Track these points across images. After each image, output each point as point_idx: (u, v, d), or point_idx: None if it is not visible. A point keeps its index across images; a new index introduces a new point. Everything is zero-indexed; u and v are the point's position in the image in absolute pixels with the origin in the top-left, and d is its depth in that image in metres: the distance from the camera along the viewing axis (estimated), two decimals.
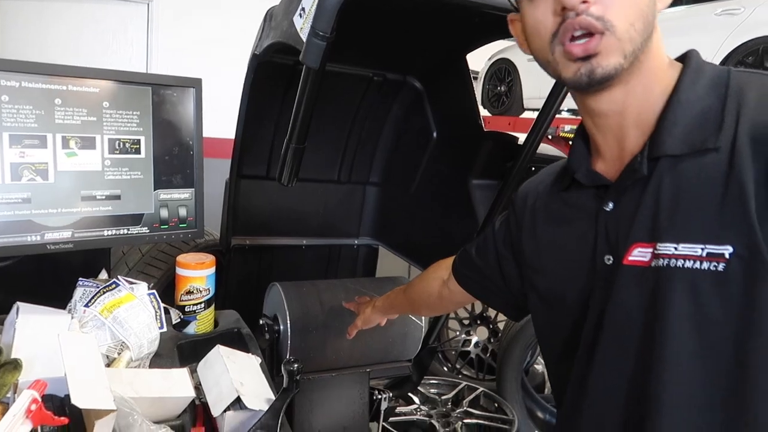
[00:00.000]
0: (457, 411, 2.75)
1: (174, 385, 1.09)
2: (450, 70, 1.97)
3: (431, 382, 2.95)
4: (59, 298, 1.23)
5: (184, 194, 1.41)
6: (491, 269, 1.12)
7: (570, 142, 1.02)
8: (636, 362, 0.78)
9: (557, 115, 1.70)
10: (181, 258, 1.40)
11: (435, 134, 2.09)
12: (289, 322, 1.75)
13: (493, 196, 1.80)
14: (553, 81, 1.25)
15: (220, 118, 2.58)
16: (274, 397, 1.11)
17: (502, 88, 5.44)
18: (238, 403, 1.08)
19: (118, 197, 1.31)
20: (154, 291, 1.29)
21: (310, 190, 2.27)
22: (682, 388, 0.74)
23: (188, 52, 4.45)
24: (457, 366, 3.54)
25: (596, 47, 0.73)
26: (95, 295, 1.21)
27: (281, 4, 1.46)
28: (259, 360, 1.29)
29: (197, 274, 1.39)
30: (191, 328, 1.40)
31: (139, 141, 1.32)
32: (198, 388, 1.14)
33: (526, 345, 2.84)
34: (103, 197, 1.29)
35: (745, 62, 3.73)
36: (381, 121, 2.25)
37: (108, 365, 1.13)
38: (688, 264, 0.71)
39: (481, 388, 2.91)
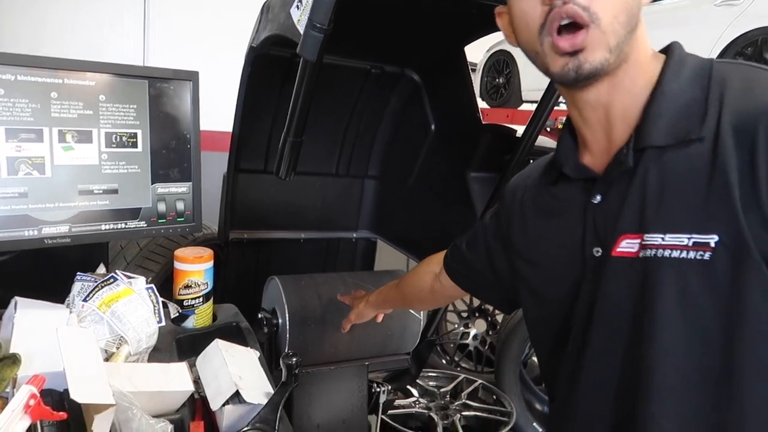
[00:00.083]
0: (456, 404, 2.76)
1: (173, 380, 1.09)
2: (448, 62, 1.97)
3: (430, 374, 2.96)
4: (57, 293, 1.23)
5: (182, 188, 1.40)
6: (482, 263, 1.13)
7: None
8: (626, 353, 0.79)
9: (555, 107, 1.69)
10: (179, 252, 1.40)
11: (433, 127, 2.08)
12: (287, 315, 1.75)
13: (491, 189, 1.80)
14: None
15: (219, 110, 2.57)
16: (272, 391, 1.11)
17: (501, 80, 5.42)
18: (236, 397, 1.08)
19: (115, 191, 1.31)
20: (152, 285, 1.29)
21: (308, 183, 2.26)
22: (672, 377, 0.75)
23: (186, 43, 4.42)
24: (456, 359, 3.55)
25: (582, 42, 0.73)
26: (93, 289, 1.21)
27: None
28: (258, 354, 1.29)
29: (195, 268, 1.39)
30: (190, 322, 1.40)
31: (135, 135, 1.32)
32: (197, 382, 1.14)
33: (524, 338, 2.84)
34: (101, 191, 1.29)
35: (744, 53, 3.72)
36: (379, 114, 2.24)
37: (106, 359, 1.13)
38: (675, 254, 0.72)
39: (480, 381, 2.92)
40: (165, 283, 1.88)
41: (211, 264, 1.42)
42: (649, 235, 0.75)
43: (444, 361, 3.53)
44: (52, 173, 1.22)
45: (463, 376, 2.99)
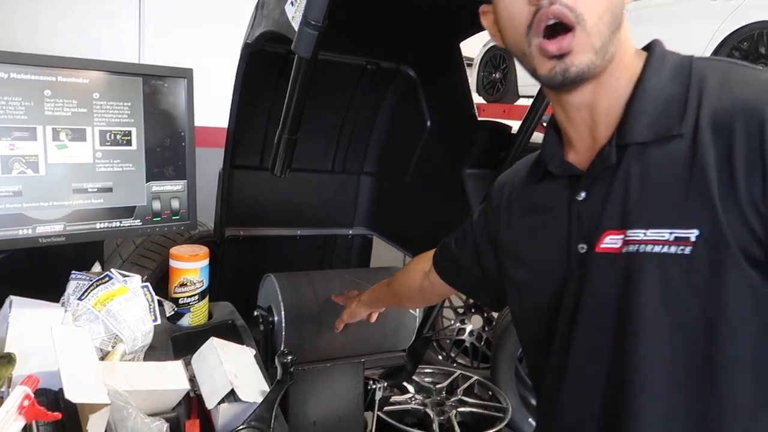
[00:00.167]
0: (452, 400, 2.77)
1: (168, 378, 1.09)
2: (443, 58, 1.96)
3: (426, 371, 2.97)
4: (52, 292, 1.23)
5: (177, 186, 1.40)
6: (470, 261, 1.14)
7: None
8: (611, 349, 0.80)
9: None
10: (175, 250, 1.40)
11: (429, 123, 2.08)
12: (283, 313, 1.75)
13: (486, 186, 1.80)
14: None
15: (215, 106, 2.56)
16: (268, 389, 1.11)
17: (497, 75, 5.41)
18: (232, 396, 1.08)
19: (110, 190, 1.30)
20: (148, 284, 1.29)
21: (304, 180, 2.26)
22: (656, 371, 0.75)
23: (182, 36, 4.41)
24: (452, 354, 3.56)
25: (569, 45, 0.74)
26: (88, 288, 1.20)
27: None
28: (254, 352, 1.29)
29: (191, 267, 1.39)
30: (185, 321, 1.40)
31: (130, 132, 1.31)
32: (192, 380, 1.14)
33: None
34: (95, 190, 1.28)
35: (740, 48, 3.72)
36: (375, 110, 2.24)
37: (102, 358, 1.12)
38: (657, 249, 0.73)
39: (475, 377, 2.93)
40: (161, 281, 1.87)
41: (206, 262, 1.42)
42: (632, 230, 0.76)
43: (440, 357, 3.54)
44: (46, 172, 1.21)
45: (458, 372, 3.00)
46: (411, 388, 2.78)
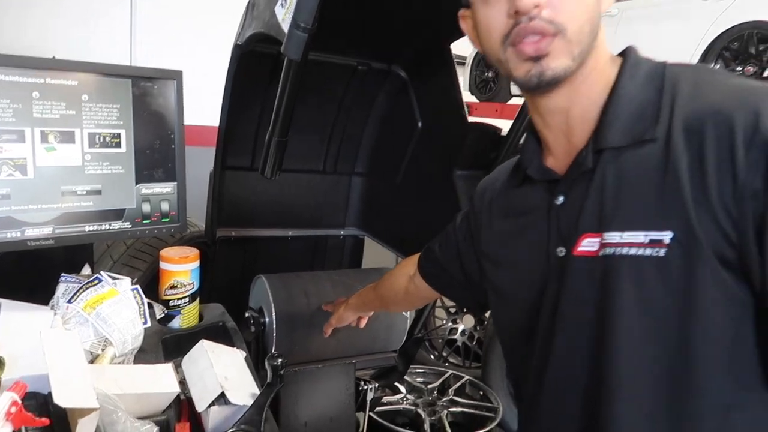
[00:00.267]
0: (443, 399, 2.77)
1: (158, 381, 1.09)
2: (434, 59, 1.97)
3: (417, 371, 2.98)
4: (42, 294, 1.22)
5: (167, 188, 1.40)
6: (453, 265, 1.15)
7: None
8: (590, 351, 0.81)
9: None
10: (165, 252, 1.40)
11: (420, 124, 2.08)
12: (274, 314, 1.75)
13: None
14: None
15: (209, 105, 2.54)
16: (259, 391, 1.12)
17: (490, 74, 5.42)
18: (222, 398, 1.08)
19: (99, 192, 1.30)
20: (138, 286, 1.29)
21: (295, 180, 2.26)
22: (634, 372, 0.76)
23: (174, 36, 4.39)
24: (444, 354, 3.57)
25: (547, 47, 0.75)
26: (78, 291, 1.20)
27: None
28: (244, 354, 1.29)
29: (181, 269, 1.39)
30: (176, 323, 1.40)
31: (119, 135, 1.31)
32: (183, 383, 1.14)
33: None
34: (84, 192, 1.28)
35: (730, 48, 3.75)
36: (366, 111, 2.24)
37: (92, 362, 1.12)
38: (633, 251, 0.74)
39: (467, 377, 2.94)
40: (152, 282, 1.87)
41: (197, 264, 1.42)
42: (608, 233, 0.77)
43: (432, 357, 3.55)
44: (34, 174, 1.21)
45: (450, 372, 3.00)
46: (403, 389, 2.78)
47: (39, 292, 1.22)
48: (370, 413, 1.98)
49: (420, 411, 2.63)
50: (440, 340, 3.61)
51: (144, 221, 1.37)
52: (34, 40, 3.79)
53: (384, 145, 2.28)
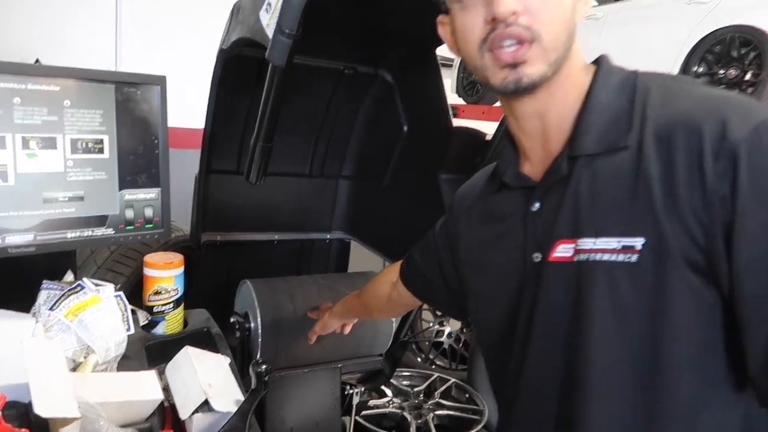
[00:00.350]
0: (429, 403, 2.78)
1: (141, 388, 1.08)
2: (420, 64, 1.97)
3: (404, 374, 2.98)
4: (23, 302, 1.21)
5: (150, 194, 1.39)
6: (433, 272, 1.16)
7: None
8: (564, 355, 0.82)
9: None
10: (149, 258, 1.39)
11: (405, 128, 2.09)
12: (259, 319, 1.75)
13: None
14: None
15: (196, 107, 2.53)
16: (243, 398, 1.11)
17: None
18: (206, 405, 1.08)
19: (81, 198, 1.28)
20: (121, 293, 1.28)
21: (281, 184, 2.25)
22: (607, 375, 0.78)
23: (161, 37, 4.36)
24: (431, 356, 3.57)
25: (524, 55, 0.77)
26: (60, 298, 1.19)
27: None
28: (229, 360, 1.29)
29: (165, 275, 1.38)
30: (160, 329, 1.39)
31: (102, 140, 1.30)
32: (166, 390, 1.14)
33: None
34: (66, 199, 1.27)
35: (713, 51, 3.79)
36: (353, 114, 2.24)
37: (74, 369, 1.11)
38: (606, 257, 0.76)
39: (453, 380, 2.94)
40: (137, 287, 1.85)
41: (181, 270, 1.41)
42: (582, 239, 0.78)
43: (419, 359, 3.56)
44: (15, 181, 1.19)
45: (436, 375, 3.01)
46: (389, 392, 2.78)
47: (20, 299, 1.20)
48: (356, 417, 1.98)
49: (406, 414, 2.63)
50: (427, 343, 3.62)
51: (127, 227, 1.36)
52: (16, 42, 3.76)
53: (370, 149, 2.29)
